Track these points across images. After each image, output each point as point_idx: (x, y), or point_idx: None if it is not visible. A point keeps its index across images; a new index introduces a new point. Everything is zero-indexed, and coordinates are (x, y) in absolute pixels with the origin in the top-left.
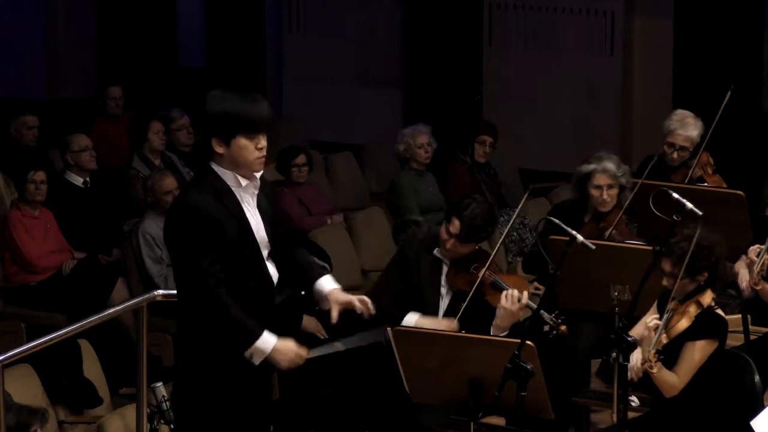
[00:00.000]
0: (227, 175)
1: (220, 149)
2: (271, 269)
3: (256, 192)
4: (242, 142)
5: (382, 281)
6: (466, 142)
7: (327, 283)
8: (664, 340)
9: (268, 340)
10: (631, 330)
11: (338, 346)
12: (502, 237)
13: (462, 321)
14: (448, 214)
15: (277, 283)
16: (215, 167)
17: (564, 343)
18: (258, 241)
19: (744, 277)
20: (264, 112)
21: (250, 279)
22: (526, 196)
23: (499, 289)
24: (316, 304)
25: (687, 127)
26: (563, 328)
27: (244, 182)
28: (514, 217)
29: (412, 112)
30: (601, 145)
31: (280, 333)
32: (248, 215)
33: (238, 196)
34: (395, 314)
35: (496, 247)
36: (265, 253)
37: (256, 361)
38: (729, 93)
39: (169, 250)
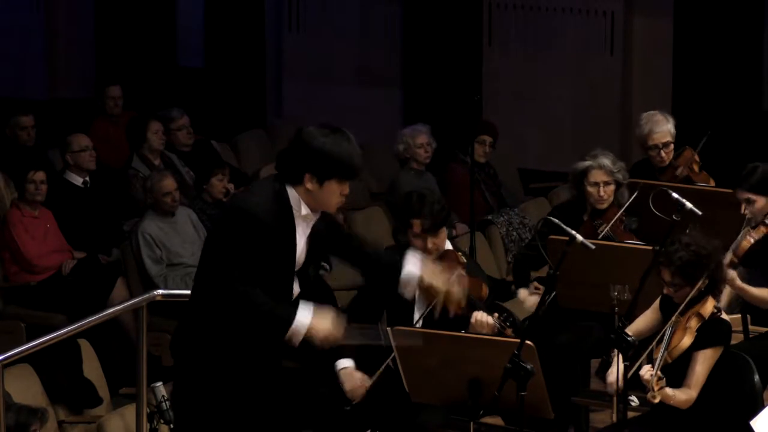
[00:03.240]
0: (294, 200)
1: (310, 186)
2: (295, 286)
3: (312, 223)
4: (334, 186)
5: (366, 286)
6: (466, 142)
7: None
8: (669, 360)
9: (302, 322)
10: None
11: (375, 336)
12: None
13: (428, 319)
14: (404, 219)
15: (297, 297)
16: (289, 190)
17: (564, 343)
18: (295, 262)
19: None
20: (361, 161)
21: (273, 290)
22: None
23: None
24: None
25: (659, 124)
26: (509, 332)
27: (305, 211)
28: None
29: (412, 112)
30: (601, 145)
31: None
32: (297, 238)
33: (295, 220)
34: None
35: (472, 256)
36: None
37: (295, 342)
38: (705, 138)
39: (209, 246)
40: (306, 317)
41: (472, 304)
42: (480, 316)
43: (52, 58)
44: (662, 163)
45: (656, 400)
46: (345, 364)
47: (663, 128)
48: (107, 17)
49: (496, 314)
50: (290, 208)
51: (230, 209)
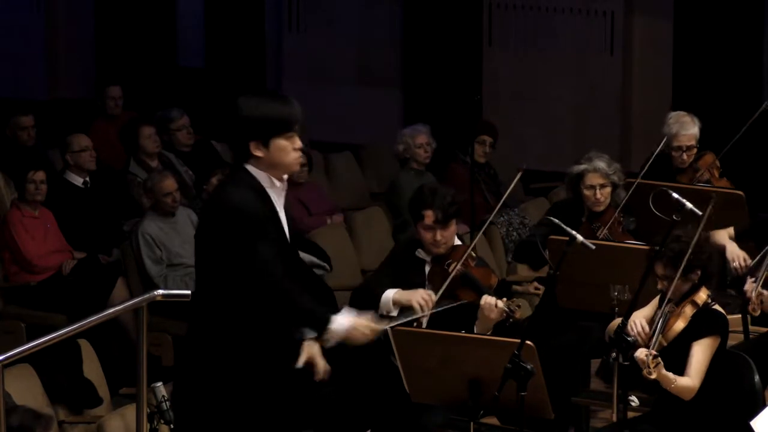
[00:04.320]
0: (261, 176)
1: (258, 152)
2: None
3: (284, 193)
4: (281, 143)
5: (372, 278)
6: (466, 142)
7: None
8: (664, 343)
9: (341, 322)
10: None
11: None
12: (480, 233)
13: (435, 316)
14: (417, 210)
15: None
16: (250, 168)
17: (565, 343)
18: (287, 238)
19: (734, 254)
20: (297, 110)
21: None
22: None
23: (467, 284)
24: None
25: (686, 126)
26: (518, 315)
27: (278, 183)
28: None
29: (412, 112)
30: (601, 145)
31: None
32: (280, 216)
33: (271, 197)
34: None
35: (473, 242)
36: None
37: (331, 343)
38: (765, 105)
39: (206, 248)
40: (345, 319)
41: (480, 291)
42: (488, 298)
43: (52, 58)
44: (683, 164)
45: (652, 377)
46: (389, 293)
47: (690, 131)
48: (107, 17)
49: (505, 299)
50: (261, 185)
51: (213, 209)
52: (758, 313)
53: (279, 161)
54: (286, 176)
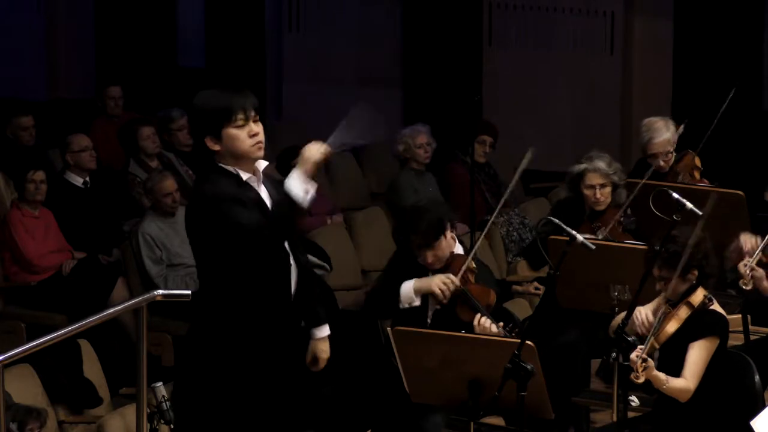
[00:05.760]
0: (230, 170)
1: (215, 146)
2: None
3: (260, 185)
4: (231, 132)
5: (383, 276)
6: (466, 142)
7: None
8: (656, 345)
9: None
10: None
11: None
12: (473, 249)
13: (436, 317)
14: (405, 234)
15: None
16: (221, 164)
17: (569, 342)
18: None
19: (747, 242)
20: (240, 97)
21: (271, 265)
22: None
23: (465, 302)
24: None
25: (659, 132)
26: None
27: (245, 176)
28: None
29: (412, 112)
30: (601, 145)
31: (294, 321)
32: (268, 206)
33: (256, 188)
34: (390, 311)
35: (470, 256)
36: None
37: (308, 200)
38: (732, 92)
39: (194, 244)
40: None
41: (478, 311)
42: (484, 322)
43: (52, 58)
44: (663, 170)
45: (639, 381)
46: (408, 284)
47: (663, 137)
48: (107, 17)
49: (501, 323)
50: (243, 180)
51: (193, 206)
52: (749, 287)
53: (235, 150)
54: (261, 167)
